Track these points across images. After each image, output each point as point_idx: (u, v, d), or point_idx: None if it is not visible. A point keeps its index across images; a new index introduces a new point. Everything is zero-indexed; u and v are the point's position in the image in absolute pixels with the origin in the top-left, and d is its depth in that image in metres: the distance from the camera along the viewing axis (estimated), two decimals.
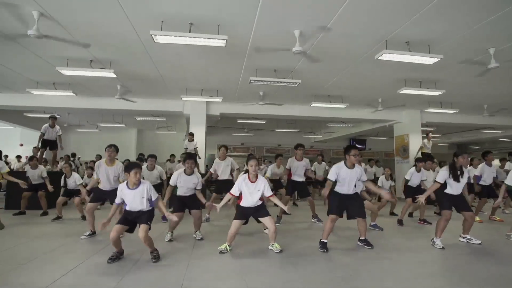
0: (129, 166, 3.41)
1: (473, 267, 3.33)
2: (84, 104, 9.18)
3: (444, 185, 4.15)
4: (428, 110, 9.88)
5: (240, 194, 3.80)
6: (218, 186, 6.03)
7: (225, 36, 4.37)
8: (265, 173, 6.69)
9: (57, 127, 7.44)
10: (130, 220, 3.45)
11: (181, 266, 3.23)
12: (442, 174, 4.13)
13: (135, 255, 3.57)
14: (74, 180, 5.79)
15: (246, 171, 3.87)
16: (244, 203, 3.81)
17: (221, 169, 5.83)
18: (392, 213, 6.71)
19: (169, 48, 5.23)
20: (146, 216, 3.42)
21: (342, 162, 3.97)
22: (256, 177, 3.79)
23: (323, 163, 9.03)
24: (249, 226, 5.00)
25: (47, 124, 7.33)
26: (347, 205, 3.92)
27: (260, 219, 3.85)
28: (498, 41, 5.05)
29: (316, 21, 4.45)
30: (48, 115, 7.47)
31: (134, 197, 3.39)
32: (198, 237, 4.38)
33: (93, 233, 4.48)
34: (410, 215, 6.44)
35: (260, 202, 3.84)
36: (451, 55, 5.50)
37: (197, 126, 9.39)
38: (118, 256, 3.40)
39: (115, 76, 6.17)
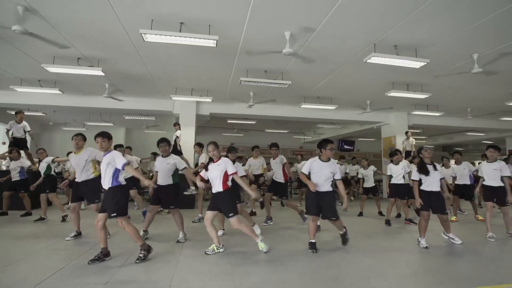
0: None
1: (456, 266, 3.42)
2: (71, 102, 8.98)
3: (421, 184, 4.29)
4: (415, 112, 10.11)
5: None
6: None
7: (216, 36, 4.36)
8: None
9: (25, 122, 7.13)
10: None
11: (169, 267, 3.21)
12: (414, 171, 4.32)
13: (123, 256, 3.53)
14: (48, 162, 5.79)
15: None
16: (213, 188, 3.81)
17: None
18: (380, 213, 6.82)
19: (159, 47, 5.18)
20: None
21: (317, 156, 4.04)
22: (219, 158, 3.81)
23: (303, 162, 9.13)
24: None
25: (13, 120, 7.03)
26: (322, 205, 3.90)
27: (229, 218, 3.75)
28: (481, 47, 5.21)
29: (307, 23, 4.48)
30: (32, 113, 7.27)
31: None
32: (181, 239, 4.26)
33: (78, 234, 4.40)
34: (398, 215, 6.55)
35: (220, 190, 3.73)
36: (437, 60, 5.64)
37: (187, 126, 9.32)
38: (101, 258, 3.32)
39: (103, 74, 6.06)
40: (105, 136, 3.48)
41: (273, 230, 5.16)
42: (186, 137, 9.00)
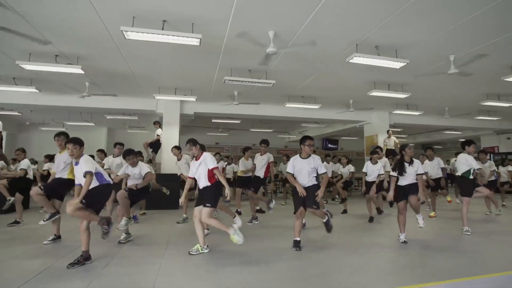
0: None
1: (430, 260, 3.54)
2: (49, 101, 8.67)
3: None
4: (396, 111, 10.39)
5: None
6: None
7: (199, 35, 4.32)
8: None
9: None
10: None
11: (152, 269, 3.15)
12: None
13: (104, 259, 3.44)
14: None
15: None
16: (199, 184, 3.82)
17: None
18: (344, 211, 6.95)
19: (141, 45, 5.08)
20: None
21: (298, 154, 4.09)
22: (201, 155, 3.84)
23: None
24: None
25: None
26: (304, 198, 3.89)
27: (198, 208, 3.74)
28: (457, 48, 5.41)
29: (290, 23, 4.52)
30: (7, 112, 6.95)
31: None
32: (121, 228, 4.16)
33: (57, 237, 4.26)
34: (379, 211, 6.69)
35: (207, 184, 3.76)
36: (416, 61, 5.82)
37: (171, 125, 9.19)
38: (81, 261, 3.21)
39: (83, 72, 5.90)
40: (76, 142, 3.37)
41: (258, 229, 5.17)
42: (170, 137, 8.89)
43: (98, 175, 3.41)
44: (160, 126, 8.86)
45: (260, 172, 5.82)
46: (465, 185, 5.02)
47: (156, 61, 6.19)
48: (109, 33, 4.82)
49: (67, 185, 4.13)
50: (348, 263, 3.38)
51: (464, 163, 4.94)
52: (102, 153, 7.24)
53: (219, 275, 3.01)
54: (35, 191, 4.02)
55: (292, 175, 3.99)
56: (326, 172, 4.05)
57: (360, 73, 6.73)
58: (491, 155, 13.04)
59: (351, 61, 5.14)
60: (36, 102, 8.58)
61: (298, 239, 3.94)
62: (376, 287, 2.75)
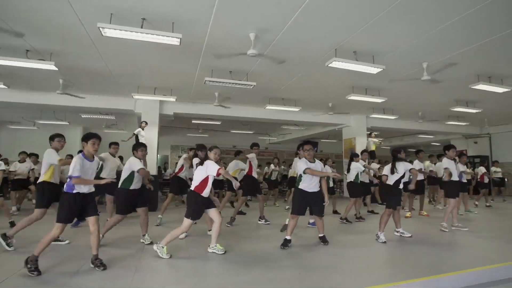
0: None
1: (407, 258, 3.68)
2: (19, 98, 8.22)
3: (398, 183, 4.58)
4: (373, 115, 10.69)
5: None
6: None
7: (180, 34, 4.26)
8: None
9: None
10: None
11: (128, 272, 3.07)
12: (387, 168, 4.68)
13: (74, 265, 3.30)
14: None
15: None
16: (206, 192, 3.78)
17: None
18: (335, 212, 7.11)
19: (119, 42, 4.94)
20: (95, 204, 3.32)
21: (303, 158, 4.20)
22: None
23: (272, 165, 9.32)
24: (198, 227, 4.95)
25: None
26: (311, 204, 4.13)
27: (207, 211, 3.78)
28: (430, 56, 5.66)
29: (271, 26, 4.55)
30: None
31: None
32: (146, 242, 4.19)
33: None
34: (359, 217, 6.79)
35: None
36: (392, 67, 6.02)
37: (150, 126, 8.96)
38: (38, 266, 2.98)
39: (56, 69, 5.64)
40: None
41: (238, 231, 5.15)
42: (149, 137, 8.67)
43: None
44: (140, 126, 8.53)
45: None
46: (451, 187, 5.32)
47: (135, 60, 6.04)
48: (85, 29, 4.65)
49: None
50: (326, 263, 3.44)
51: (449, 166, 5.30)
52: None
53: (197, 277, 2.98)
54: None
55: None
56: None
57: (339, 77, 6.88)
58: (458, 158, 13.69)
59: (330, 65, 5.25)
60: (5, 98, 8.12)
61: (289, 237, 4.06)
62: (350, 286, 2.81)
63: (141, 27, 4.26)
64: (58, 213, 3.15)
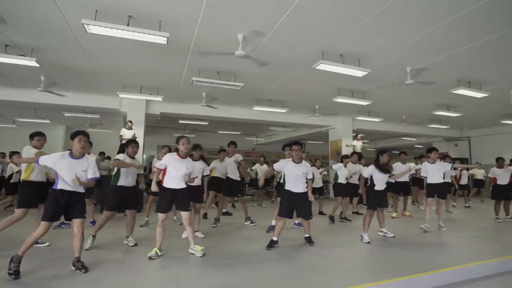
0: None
1: (389, 258, 3.76)
2: None
3: (372, 184, 4.70)
4: (358, 118, 10.91)
5: (164, 172, 3.72)
6: None
7: (167, 33, 4.22)
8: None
9: None
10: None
11: (110, 276, 3.00)
12: (368, 169, 4.75)
13: (53, 268, 3.21)
14: None
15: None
16: (167, 182, 3.68)
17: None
18: (321, 213, 7.19)
19: (104, 40, 4.85)
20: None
21: (290, 158, 4.24)
22: (186, 156, 3.81)
23: (265, 165, 9.32)
24: (182, 228, 4.89)
25: None
26: (296, 206, 4.14)
27: (181, 212, 3.71)
28: (413, 61, 5.82)
29: (259, 27, 4.58)
30: None
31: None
32: (131, 243, 4.12)
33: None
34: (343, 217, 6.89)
35: (184, 186, 3.69)
36: (377, 70, 6.16)
37: (135, 125, 8.81)
38: (19, 269, 2.90)
39: (37, 65, 5.48)
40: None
41: (223, 232, 5.14)
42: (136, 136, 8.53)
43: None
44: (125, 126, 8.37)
45: (236, 176, 5.80)
46: (429, 188, 5.54)
47: (120, 58, 5.94)
48: (69, 25, 4.54)
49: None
50: (310, 264, 3.47)
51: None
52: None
53: (182, 280, 2.95)
54: None
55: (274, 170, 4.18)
56: (312, 178, 4.26)
57: (325, 79, 6.98)
58: (441, 160, 14.12)
59: (317, 67, 5.32)
60: None
61: (275, 239, 4.07)
62: (335, 286, 2.85)
63: (127, 25, 4.20)
64: (43, 211, 3.08)
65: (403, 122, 11.47)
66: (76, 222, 3.12)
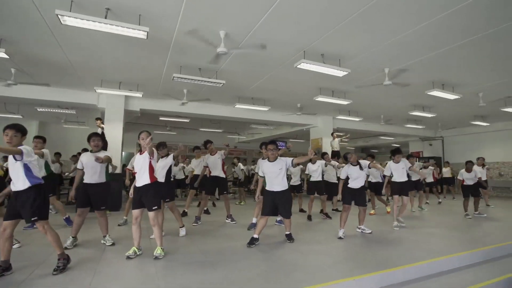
0: None
1: (365, 254, 3.87)
2: None
3: (347, 182, 4.90)
4: (339, 117, 11.11)
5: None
6: None
7: (147, 28, 4.12)
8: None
9: None
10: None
11: (86, 276, 2.92)
12: (343, 170, 4.94)
13: (27, 269, 3.08)
14: None
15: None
16: (137, 181, 3.65)
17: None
18: (301, 210, 7.30)
19: (80, 32, 4.66)
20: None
21: (266, 158, 4.31)
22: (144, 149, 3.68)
23: (240, 164, 9.33)
24: (170, 226, 4.83)
25: None
26: (278, 204, 4.21)
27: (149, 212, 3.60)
28: (391, 62, 5.99)
29: (241, 24, 4.55)
30: None
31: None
32: (108, 243, 4.02)
33: None
34: (326, 215, 6.99)
35: (148, 182, 3.60)
36: (357, 71, 6.30)
37: (114, 121, 8.59)
38: (0, 272, 2.85)
39: (6, 56, 5.19)
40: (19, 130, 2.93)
41: (204, 230, 5.10)
42: (113, 134, 8.31)
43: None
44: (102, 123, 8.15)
45: (220, 173, 5.79)
46: (394, 186, 5.82)
47: (98, 52, 5.73)
48: (42, 16, 4.33)
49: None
50: (290, 261, 3.52)
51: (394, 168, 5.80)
52: None
53: (160, 279, 2.91)
54: None
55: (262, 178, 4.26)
56: (292, 159, 4.26)
57: (307, 78, 7.05)
58: (417, 158, 14.69)
59: (298, 66, 5.37)
60: None
61: (256, 236, 4.12)
62: (313, 282, 2.90)
63: (105, 18, 4.05)
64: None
65: (381, 121, 11.81)
66: (37, 224, 2.98)
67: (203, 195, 6.07)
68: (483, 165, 7.95)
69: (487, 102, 8.29)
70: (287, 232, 4.40)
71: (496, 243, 4.36)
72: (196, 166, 6.69)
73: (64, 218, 5.26)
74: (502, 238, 4.71)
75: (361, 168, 4.84)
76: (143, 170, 3.60)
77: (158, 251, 3.50)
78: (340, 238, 4.52)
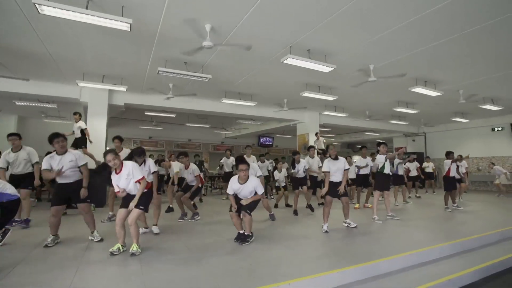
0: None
1: (350, 246, 3.95)
2: None
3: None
4: (325, 112, 11.22)
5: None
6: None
7: (130, 19, 4.01)
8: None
9: None
10: None
11: (67, 273, 2.85)
12: (324, 163, 5.00)
13: (5, 267, 2.99)
14: None
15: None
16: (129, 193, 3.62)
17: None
18: (287, 205, 7.36)
19: (60, 23, 4.51)
20: None
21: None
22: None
23: (232, 158, 9.28)
24: (150, 223, 4.77)
25: None
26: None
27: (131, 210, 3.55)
28: (376, 59, 6.08)
29: (227, 18, 4.51)
30: None
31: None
32: (96, 239, 3.94)
33: None
34: (310, 207, 7.07)
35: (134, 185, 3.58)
36: (342, 67, 6.36)
37: (97, 116, 8.37)
38: None
39: None
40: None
41: (190, 226, 5.08)
42: (97, 129, 8.10)
43: None
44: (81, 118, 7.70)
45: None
46: (378, 180, 5.92)
47: (79, 44, 5.54)
48: (17, 4, 4.14)
49: None
50: (275, 255, 3.54)
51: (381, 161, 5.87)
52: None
53: (145, 275, 2.88)
54: None
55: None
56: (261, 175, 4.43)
57: (293, 74, 7.07)
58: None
59: (285, 61, 5.37)
60: None
61: (242, 231, 4.05)
62: (299, 275, 2.93)
63: (86, 8, 3.92)
64: None
65: (366, 117, 12.00)
66: None
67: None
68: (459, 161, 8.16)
69: (466, 99, 8.55)
70: (245, 232, 4.12)
71: (473, 235, 4.52)
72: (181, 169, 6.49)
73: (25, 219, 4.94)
74: (478, 229, 4.89)
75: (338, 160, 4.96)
76: (133, 188, 3.58)
77: (134, 248, 3.46)
78: (326, 232, 4.58)
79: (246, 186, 4.03)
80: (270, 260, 3.35)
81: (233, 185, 4.08)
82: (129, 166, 3.54)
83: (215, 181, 12.71)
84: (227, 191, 4.18)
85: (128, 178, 3.52)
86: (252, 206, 4.07)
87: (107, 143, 8.82)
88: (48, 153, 4.06)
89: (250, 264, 3.21)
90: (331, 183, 4.88)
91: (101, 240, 3.95)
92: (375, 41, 5.22)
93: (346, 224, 5.06)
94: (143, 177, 3.60)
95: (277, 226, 5.08)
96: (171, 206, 6.52)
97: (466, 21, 4.52)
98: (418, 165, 9.94)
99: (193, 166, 5.64)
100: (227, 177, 9.63)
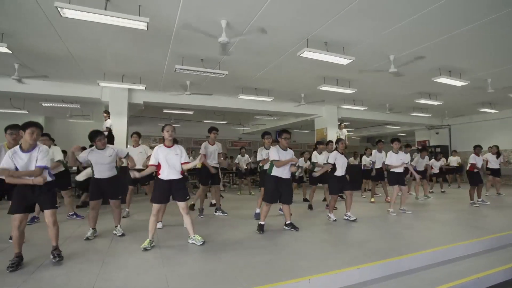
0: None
1: (368, 243, 3.87)
2: None
3: (334, 170, 5.05)
4: (343, 106, 11.00)
5: (159, 165, 3.69)
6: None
7: (147, 18, 4.07)
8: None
9: None
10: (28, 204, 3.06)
11: (94, 266, 2.97)
12: (331, 156, 5.09)
13: (37, 260, 3.14)
14: None
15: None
16: (163, 174, 3.66)
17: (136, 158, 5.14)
18: (305, 199, 7.31)
19: (80, 24, 4.63)
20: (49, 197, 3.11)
21: (277, 145, 4.37)
22: (173, 143, 3.79)
23: (246, 155, 9.30)
24: (169, 219, 4.88)
25: None
26: (281, 191, 4.28)
27: (178, 203, 3.71)
28: (397, 49, 5.87)
29: (243, 13, 4.48)
30: None
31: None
32: (118, 233, 4.09)
33: None
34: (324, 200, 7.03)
35: (180, 176, 3.72)
36: (361, 58, 6.18)
37: (118, 115, 8.62)
38: (19, 262, 2.94)
39: (9, 51, 5.20)
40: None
41: (207, 221, 5.14)
42: (118, 127, 8.33)
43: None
44: (110, 117, 8.00)
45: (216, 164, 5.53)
46: (391, 176, 5.91)
47: (99, 44, 5.70)
48: (41, 8, 4.30)
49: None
50: (293, 249, 3.53)
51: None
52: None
53: (166, 268, 2.94)
54: None
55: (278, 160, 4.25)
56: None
57: (310, 67, 6.95)
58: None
59: (302, 55, 5.28)
60: None
61: (262, 223, 4.24)
62: (318, 271, 2.90)
63: (105, 9, 4.02)
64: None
65: (387, 110, 11.65)
66: (46, 213, 3.09)
67: (201, 186, 5.87)
68: (497, 153, 7.80)
69: (495, 88, 8.10)
70: (288, 222, 4.42)
71: (501, 232, 4.31)
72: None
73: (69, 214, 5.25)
74: (506, 226, 4.65)
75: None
76: (177, 166, 3.69)
77: (198, 238, 3.69)
78: (334, 220, 4.87)
79: (289, 154, 4.31)
80: (289, 254, 3.35)
81: (278, 152, 4.27)
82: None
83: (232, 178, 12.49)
84: (275, 158, 4.23)
85: (177, 155, 3.70)
86: (292, 197, 4.42)
87: (127, 141, 9.07)
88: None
89: (269, 259, 3.21)
90: (335, 177, 4.99)
91: (123, 234, 4.08)
92: (395, 31, 5.03)
93: (346, 217, 5.01)
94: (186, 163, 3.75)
95: (298, 220, 5.05)
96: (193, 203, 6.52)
97: (492, 6, 4.26)
98: (444, 162, 9.59)
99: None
100: (241, 174, 9.66)
